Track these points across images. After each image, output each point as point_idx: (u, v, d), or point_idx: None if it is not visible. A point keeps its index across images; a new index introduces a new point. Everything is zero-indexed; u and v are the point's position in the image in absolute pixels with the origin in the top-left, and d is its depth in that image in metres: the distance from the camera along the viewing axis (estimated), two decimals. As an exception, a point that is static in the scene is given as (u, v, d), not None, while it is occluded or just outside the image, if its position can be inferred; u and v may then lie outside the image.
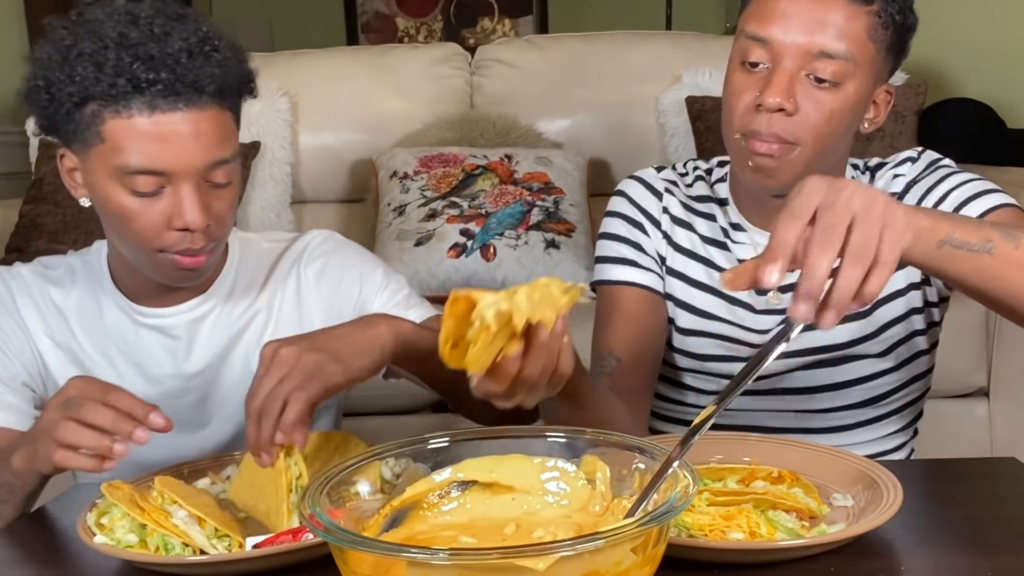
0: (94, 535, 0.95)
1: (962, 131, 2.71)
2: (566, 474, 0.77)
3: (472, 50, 2.91)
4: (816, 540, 0.87)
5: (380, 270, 1.33)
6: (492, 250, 2.42)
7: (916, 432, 1.35)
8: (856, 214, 0.81)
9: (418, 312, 1.30)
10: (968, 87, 3.18)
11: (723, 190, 1.31)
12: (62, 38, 1.10)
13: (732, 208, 1.29)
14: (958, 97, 2.96)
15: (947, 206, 1.18)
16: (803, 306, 0.81)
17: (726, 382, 1.25)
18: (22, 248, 2.40)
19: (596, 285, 1.33)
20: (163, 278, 1.20)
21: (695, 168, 1.36)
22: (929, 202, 1.20)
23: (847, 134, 1.17)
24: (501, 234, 2.44)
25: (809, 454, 1.05)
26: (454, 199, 2.51)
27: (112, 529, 0.95)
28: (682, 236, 1.31)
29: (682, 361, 1.31)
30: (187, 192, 1.11)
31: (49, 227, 2.42)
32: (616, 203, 1.35)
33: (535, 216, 2.48)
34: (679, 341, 1.31)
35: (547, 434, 0.79)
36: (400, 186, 2.56)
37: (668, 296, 1.30)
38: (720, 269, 1.28)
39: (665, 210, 1.32)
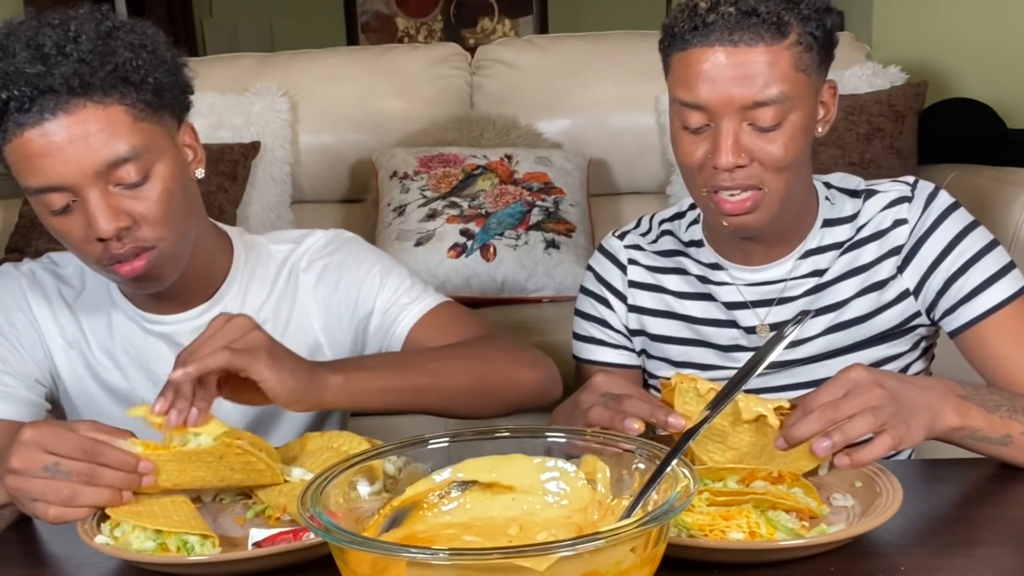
0: (94, 535, 0.95)
1: (962, 131, 2.71)
2: (566, 474, 0.77)
3: (472, 50, 2.91)
4: (816, 540, 0.87)
5: (377, 268, 1.29)
6: (492, 250, 2.42)
7: None
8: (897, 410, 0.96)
9: (422, 304, 1.28)
10: (968, 87, 3.17)
11: (696, 232, 1.32)
12: None
13: (707, 249, 1.30)
14: (958, 97, 2.96)
15: (963, 287, 1.19)
16: (826, 443, 0.94)
17: None
18: (22, 248, 2.39)
19: (574, 359, 1.40)
20: (126, 287, 1.20)
21: (660, 222, 1.37)
22: (944, 271, 1.20)
23: (807, 154, 1.18)
24: (501, 234, 2.44)
25: (809, 454, 1.05)
26: (454, 199, 2.51)
27: (128, 542, 0.94)
28: (654, 300, 1.33)
29: None
30: (91, 201, 1.06)
31: (49, 227, 2.42)
32: (585, 279, 1.39)
33: (535, 216, 2.48)
34: None
35: (547, 434, 0.79)
36: (400, 186, 2.56)
37: (654, 357, 1.35)
38: (701, 321, 1.30)
39: (631, 283, 1.35)
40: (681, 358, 1.32)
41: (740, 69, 1.10)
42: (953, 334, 1.22)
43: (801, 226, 1.25)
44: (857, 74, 2.62)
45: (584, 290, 1.39)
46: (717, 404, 0.80)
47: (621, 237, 1.38)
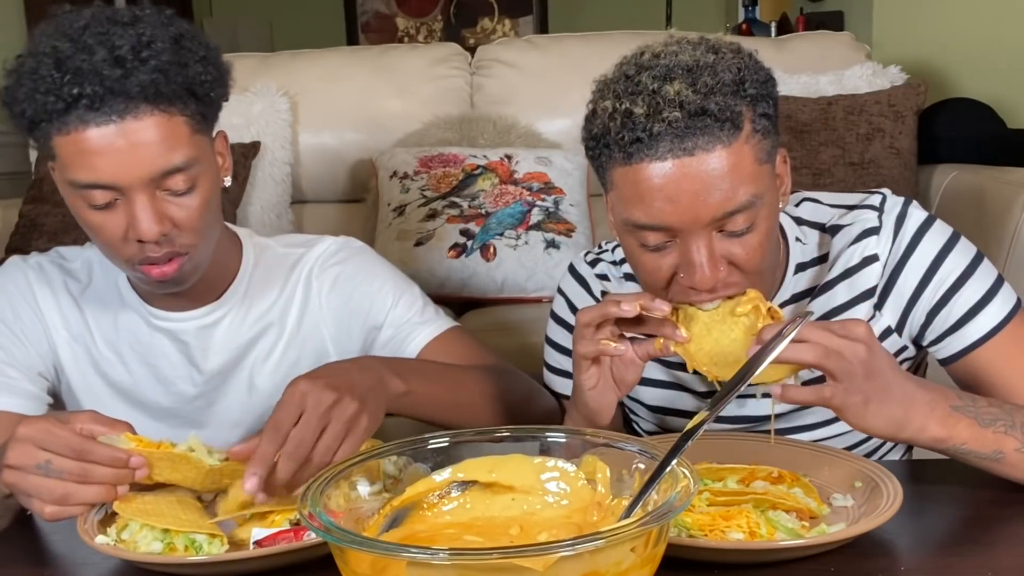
0: (94, 535, 0.95)
1: (962, 131, 2.70)
2: (566, 474, 0.77)
3: (472, 50, 2.91)
4: (816, 540, 0.87)
5: (390, 284, 1.29)
6: (492, 250, 2.42)
7: None
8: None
9: (434, 326, 1.28)
10: (968, 87, 3.17)
11: None
12: (20, 54, 1.07)
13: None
14: (958, 97, 2.96)
15: (950, 315, 1.10)
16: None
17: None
18: (22, 248, 2.39)
19: (547, 390, 1.31)
20: (147, 286, 1.20)
21: (623, 266, 1.25)
22: (927, 301, 1.11)
23: (777, 234, 1.08)
24: (501, 234, 2.44)
25: (809, 454, 1.06)
26: (454, 199, 2.51)
27: (135, 542, 0.94)
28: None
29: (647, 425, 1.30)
30: (138, 203, 1.07)
31: (49, 227, 2.41)
32: (557, 304, 1.28)
33: (535, 216, 2.48)
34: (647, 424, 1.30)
35: (547, 434, 0.79)
36: (400, 186, 2.56)
37: (629, 397, 1.25)
38: (676, 366, 1.21)
39: None
40: (656, 402, 1.24)
41: (702, 181, 0.95)
42: (944, 362, 1.13)
43: (774, 278, 1.14)
44: (857, 74, 2.63)
45: (555, 317, 1.28)
46: (716, 404, 0.80)
47: (593, 264, 1.26)
